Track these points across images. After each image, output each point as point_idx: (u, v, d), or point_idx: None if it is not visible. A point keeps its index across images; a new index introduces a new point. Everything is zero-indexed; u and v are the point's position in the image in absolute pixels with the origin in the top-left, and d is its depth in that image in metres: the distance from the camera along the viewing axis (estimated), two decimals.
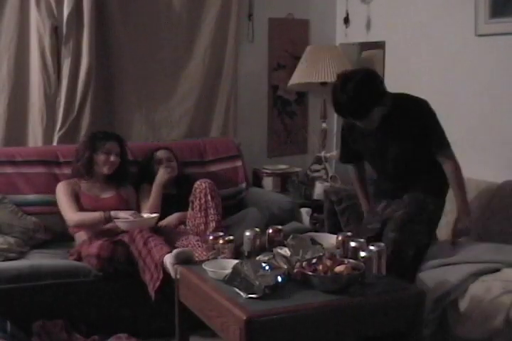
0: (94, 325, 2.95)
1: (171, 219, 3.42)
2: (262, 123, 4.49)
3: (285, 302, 2.24)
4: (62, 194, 3.34)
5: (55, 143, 3.72)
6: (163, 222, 3.38)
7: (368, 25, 4.32)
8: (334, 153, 4.33)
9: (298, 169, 4.28)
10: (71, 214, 3.26)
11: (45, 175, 3.49)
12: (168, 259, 2.76)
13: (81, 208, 3.32)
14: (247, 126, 4.38)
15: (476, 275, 2.76)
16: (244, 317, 2.11)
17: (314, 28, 4.54)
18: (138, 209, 3.42)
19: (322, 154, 4.31)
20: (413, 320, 2.38)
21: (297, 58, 4.42)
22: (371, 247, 2.49)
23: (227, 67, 4.19)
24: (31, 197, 3.44)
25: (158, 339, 2.98)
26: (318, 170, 4.27)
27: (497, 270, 2.78)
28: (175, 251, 2.70)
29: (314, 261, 2.38)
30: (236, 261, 2.50)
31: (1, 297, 2.82)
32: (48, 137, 3.72)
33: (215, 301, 2.33)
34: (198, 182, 3.23)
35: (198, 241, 3.11)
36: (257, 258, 2.51)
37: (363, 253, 2.46)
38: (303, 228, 3.52)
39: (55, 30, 3.64)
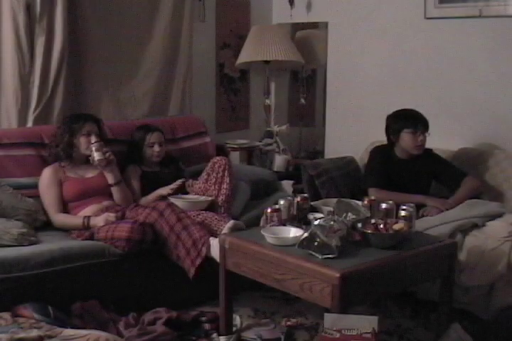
0: (124, 303, 2.98)
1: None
2: (210, 100, 4.64)
3: (359, 259, 2.49)
4: (45, 186, 3.31)
5: (29, 124, 3.60)
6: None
7: (309, 7, 4.60)
8: (284, 127, 4.60)
9: (258, 143, 4.49)
10: (53, 215, 3.28)
11: (33, 157, 3.40)
12: (215, 242, 2.89)
13: (68, 192, 3.33)
14: (199, 103, 4.50)
15: (462, 231, 3.18)
16: (338, 275, 2.33)
17: (255, 8, 4.73)
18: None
19: (274, 128, 4.56)
20: (449, 266, 2.75)
21: (240, 37, 4.62)
22: (405, 207, 2.81)
23: (183, 47, 4.28)
24: (23, 180, 3.33)
25: (188, 309, 3.09)
26: (270, 144, 4.51)
27: (476, 224, 3.21)
28: (231, 222, 2.84)
29: (373, 221, 2.66)
30: (284, 228, 2.75)
31: (36, 282, 2.77)
32: (22, 118, 3.58)
33: (290, 264, 2.51)
34: (217, 158, 3.38)
35: (213, 215, 3.24)
36: (317, 222, 2.70)
37: (403, 212, 2.77)
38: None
39: (28, 9, 3.50)
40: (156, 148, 3.59)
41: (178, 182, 3.45)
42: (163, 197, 3.40)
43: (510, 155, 3.68)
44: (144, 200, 3.45)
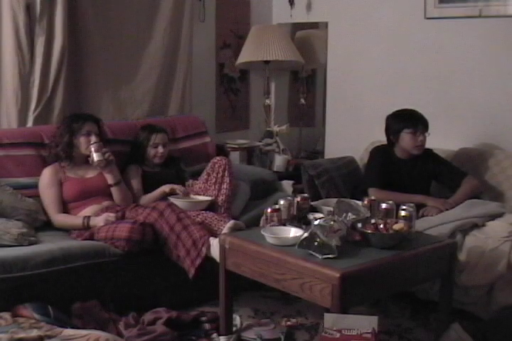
0: (124, 303, 2.99)
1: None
2: (210, 100, 4.65)
3: (359, 259, 2.49)
4: (45, 186, 3.31)
5: (29, 124, 3.61)
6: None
7: (309, 7, 4.61)
8: (284, 127, 4.61)
9: (258, 143, 4.49)
10: (53, 215, 3.28)
11: (33, 157, 3.40)
12: (215, 242, 2.89)
13: (67, 192, 3.34)
14: (199, 103, 4.50)
15: (462, 231, 3.18)
16: (338, 275, 2.33)
17: (255, 8, 4.74)
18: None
19: (274, 128, 4.56)
20: (449, 266, 2.75)
21: (240, 37, 4.63)
22: (405, 207, 2.81)
23: (183, 47, 4.28)
24: (23, 180, 3.34)
25: (188, 309, 3.09)
26: (270, 144, 4.51)
27: (475, 224, 3.22)
28: (231, 222, 2.84)
29: (373, 221, 2.66)
30: (284, 228, 2.76)
31: (36, 282, 2.77)
32: (22, 118, 3.59)
33: (290, 264, 2.51)
34: (217, 158, 3.40)
35: (213, 216, 3.25)
36: (317, 222, 2.70)
37: (403, 212, 2.77)
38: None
39: (28, 9, 3.50)
40: (160, 149, 3.59)
41: (182, 190, 3.45)
42: (165, 194, 3.41)
43: (510, 155, 3.68)
44: (146, 198, 3.45)
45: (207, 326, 2.94)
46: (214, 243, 2.91)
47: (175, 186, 3.45)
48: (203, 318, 2.98)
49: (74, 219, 3.26)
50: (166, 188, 3.44)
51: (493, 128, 3.87)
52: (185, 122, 4.07)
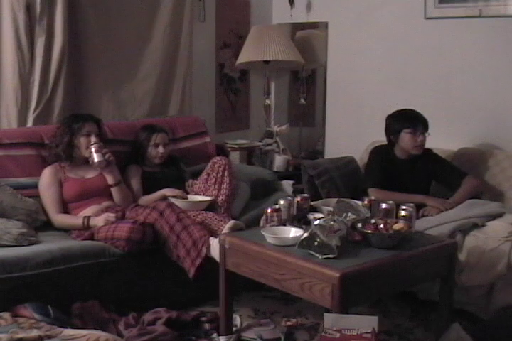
0: (124, 303, 2.98)
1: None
2: (210, 100, 4.64)
3: (359, 259, 2.49)
4: (45, 186, 3.31)
5: (29, 124, 3.61)
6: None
7: (309, 7, 4.61)
8: (284, 127, 4.61)
9: (258, 143, 4.49)
10: (53, 215, 3.28)
11: (33, 157, 3.41)
12: (215, 242, 2.89)
13: (67, 192, 3.34)
14: (199, 103, 4.51)
15: (462, 231, 3.17)
16: (338, 275, 2.33)
17: (255, 8, 4.74)
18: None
19: (274, 128, 4.56)
20: (449, 266, 2.75)
21: (240, 37, 4.63)
22: (405, 207, 2.81)
23: (183, 47, 4.29)
24: (23, 180, 3.34)
25: (188, 309, 3.09)
26: (270, 144, 4.52)
27: (475, 224, 3.21)
28: (231, 222, 2.84)
29: (373, 221, 2.66)
30: (284, 228, 2.75)
31: (36, 282, 2.77)
32: (22, 118, 3.59)
33: (290, 264, 2.51)
34: (217, 158, 3.40)
35: (213, 215, 3.25)
36: (317, 222, 2.70)
37: (403, 212, 2.77)
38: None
39: (28, 9, 3.50)
40: (161, 149, 3.59)
41: (181, 195, 3.45)
42: (164, 198, 3.40)
43: (510, 155, 3.68)
44: (144, 199, 3.45)
45: (207, 326, 2.94)
46: (214, 243, 2.91)
47: (177, 191, 3.44)
48: (203, 318, 2.98)
49: (74, 219, 3.26)
50: (167, 192, 3.43)
51: (493, 128, 3.87)
52: (185, 122, 4.07)
